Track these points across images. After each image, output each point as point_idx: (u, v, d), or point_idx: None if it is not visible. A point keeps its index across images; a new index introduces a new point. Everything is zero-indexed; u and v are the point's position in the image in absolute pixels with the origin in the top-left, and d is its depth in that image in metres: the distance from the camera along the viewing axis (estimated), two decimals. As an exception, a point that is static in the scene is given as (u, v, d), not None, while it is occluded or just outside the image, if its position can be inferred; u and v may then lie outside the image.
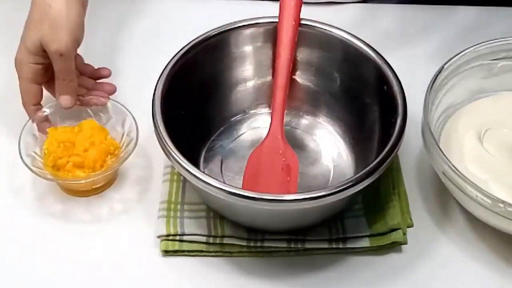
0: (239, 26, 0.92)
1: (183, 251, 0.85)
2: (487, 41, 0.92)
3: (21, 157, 0.87)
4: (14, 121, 0.92)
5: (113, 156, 0.89)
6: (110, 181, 0.91)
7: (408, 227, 0.86)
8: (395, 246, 0.86)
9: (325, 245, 0.85)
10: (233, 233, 0.85)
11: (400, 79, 0.87)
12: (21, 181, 0.91)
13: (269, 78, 0.94)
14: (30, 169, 0.86)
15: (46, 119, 0.91)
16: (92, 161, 0.88)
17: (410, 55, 1.02)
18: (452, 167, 0.82)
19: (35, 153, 0.89)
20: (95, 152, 0.88)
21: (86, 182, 0.88)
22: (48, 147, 0.89)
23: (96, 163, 0.88)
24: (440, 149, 0.83)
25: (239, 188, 0.80)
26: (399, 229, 0.85)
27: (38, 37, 0.88)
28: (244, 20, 0.92)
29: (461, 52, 0.91)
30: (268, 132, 0.90)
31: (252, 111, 0.96)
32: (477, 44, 0.91)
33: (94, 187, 0.90)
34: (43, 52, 0.89)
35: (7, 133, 0.95)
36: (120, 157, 0.89)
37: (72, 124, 0.92)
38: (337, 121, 0.94)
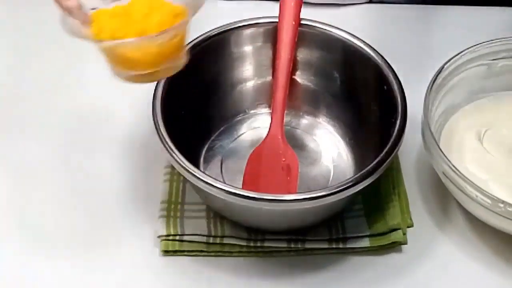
0: (239, 26, 0.92)
1: (183, 251, 0.85)
2: (487, 41, 0.92)
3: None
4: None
5: (179, 16, 0.75)
6: (175, 57, 0.76)
7: (408, 227, 0.86)
8: (395, 246, 0.85)
9: (325, 245, 0.85)
10: (233, 233, 0.85)
11: (400, 79, 0.87)
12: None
13: (269, 78, 0.94)
14: (74, 34, 0.72)
15: (80, 7, 0.76)
16: (156, 25, 0.73)
17: (410, 55, 1.02)
18: (452, 167, 0.82)
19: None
20: (158, 15, 0.74)
21: (149, 41, 0.72)
22: (97, 25, 0.74)
23: (162, 27, 0.73)
24: (440, 149, 0.83)
25: (239, 188, 0.80)
26: (399, 229, 0.85)
27: None
28: (244, 20, 0.92)
29: (461, 52, 0.91)
30: (268, 132, 0.90)
31: (252, 111, 0.96)
32: (477, 44, 0.91)
33: (158, 63, 0.75)
34: None
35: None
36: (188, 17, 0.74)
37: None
38: (337, 121, 0.94)
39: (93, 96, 0.99)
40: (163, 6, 0.75)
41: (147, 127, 0.87)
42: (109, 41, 0.73)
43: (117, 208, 0.89)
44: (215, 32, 0.91)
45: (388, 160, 0.81)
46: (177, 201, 0.88)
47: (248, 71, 0.94)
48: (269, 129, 0.90)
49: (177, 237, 0.85)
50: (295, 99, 0.94)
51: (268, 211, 0.80)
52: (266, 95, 0.94)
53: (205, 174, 0.80)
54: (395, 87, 0.86)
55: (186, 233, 0.85)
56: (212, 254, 0.85)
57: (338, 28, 0.91)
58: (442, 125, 0.91)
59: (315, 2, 1.07)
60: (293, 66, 0.92)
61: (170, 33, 0.73)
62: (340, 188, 0.79)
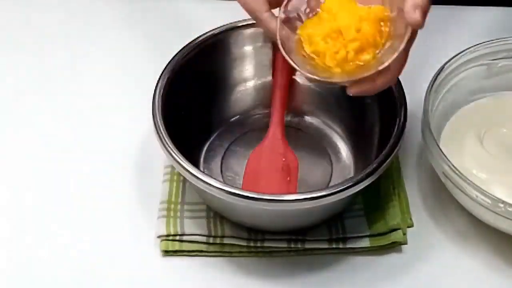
0: (239, 26, 0.92)
1: (183, 251, 0.85)
2: (487, 41, 0.92)
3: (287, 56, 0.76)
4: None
5: (384, 21, 0.78)
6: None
7: (408, 227, 0.86)
8: (395, 246, 0.85)
9: (325, 245, 0.85)
10: (233, 233, 0.85)
11: (400, 79, 0.86)
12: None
13: (269, 78, 0.94)
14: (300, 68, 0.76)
15: (288, 20, 0.80)
16: (371, 37, 0.77)
17: (410, 55, 1.02)
18: (452, 167, 0.82)
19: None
20: (368, 25, 0.77)
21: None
22: (314, 49, 0.79)
23: (375, 36, 0.78)
24: (440, 149, 0.83)
25: (239, 188, 0.80)
26: (399, 229, 0.85)
27: None
28: (244, 20, 0.91)
29: (461, 52, 0.91)
30: (268, 132, 0.90)
31: (252, 111, 0.96)
32: (477, 44, 0.91)
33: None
34: None
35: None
36: (392, 16, 0.77)
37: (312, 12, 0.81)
38: (337, 121, 0.94)
39: (93, 96, 0.99)
40: (368, 13, 0.78)
41: (147, 127, 0.87)
42: (342, 80, 0.78)
43: (117, 208, 0.89)
44: (215, 32, 0.91)
45: (388, 160, 0.81)
46: (177, 201, 0.88)
47: (248, 71, 0.94)
48: (269, 129, 0.90)
49: (177, 237, 0.85)
50: (295, 99, 0.94)
51: (268, 211, 0.80)
52: (266, 95, 0.94)
53: (205, 174, 0.80)
54: (395, 87, 0.86)
55: (186, 233, 0.85)
56: (212, 254, 0.85)
57: (338, 28, 0.91)
58: (442, 125, 0.91)
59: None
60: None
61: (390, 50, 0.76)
62: (340, 188, 0.79)
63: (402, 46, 0.76)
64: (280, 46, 0.80)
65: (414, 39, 0.79)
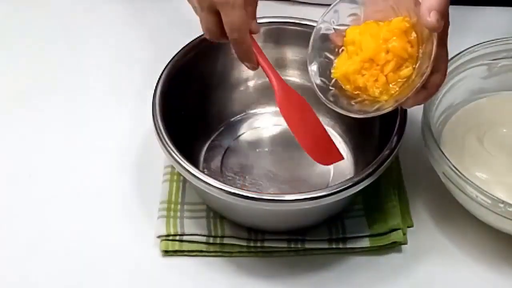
0: (239, 26, 0.91)
1: (183, 251, 0.85)
2: (487, 41, 0.92)
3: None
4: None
5: (408, 30, 0.78)
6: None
7: (408, 227, 0.86)
8: (395, 246, 0.85)
9: (325, 245, 0.85)
10: (233, 233, 0.85)
11: (400, 79, 0.87)
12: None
13: (269, 78, 0.94)
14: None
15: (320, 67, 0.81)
16: (402, 51, 0.77)
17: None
18: (452, 167, 0.82)
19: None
20: (396, 41, 0.77)
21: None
22: (354, 86, 0.80)
23: (405, 49, 0.77)
24: (440, 149, 0.83)
25: (239, 188, 0.80)
26: (399, 229, 0.85)
27: None
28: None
29: (461, 52, 0.91)
30: (275, 88, 0.85)
31: (253, 111, 0.96)
32: (477, 44, 0.91)
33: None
34: None
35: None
36: (416, 21, 0.77)
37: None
38: (337, 121, 0.94)
39: (93, 96, 0.99)
40: (391, 32, 0.77)
41: (147, 127, 0.87)
42: (393, 107, 0.78)
43: (117, 208, 0.89)
44: (215, 32, 0.91)
45: (388, 160, 0.81)
46: (177, 201, 0.88)
47: (248, 71, 0.94)
48: (275, 86, 0.85)
49: (177, 237, 0.85)
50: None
51: (268, 211, 0.80)
52: (267, 95, 0.94)
53: (205, 174, 0.80)
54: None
55: (186, 233, 0.85)
56: (212, 254, 0.85)
57: (338, 28, 0.91)
58: (442, 125, 0.91)
59: (315, 2, 1.07)
60: (293, 66, 0.92)
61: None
62: (340, 188, 0.79)
63: (434, 48, 0.76)
64: (320, 95, 0.81)
65: (447, 30, 0.78)
